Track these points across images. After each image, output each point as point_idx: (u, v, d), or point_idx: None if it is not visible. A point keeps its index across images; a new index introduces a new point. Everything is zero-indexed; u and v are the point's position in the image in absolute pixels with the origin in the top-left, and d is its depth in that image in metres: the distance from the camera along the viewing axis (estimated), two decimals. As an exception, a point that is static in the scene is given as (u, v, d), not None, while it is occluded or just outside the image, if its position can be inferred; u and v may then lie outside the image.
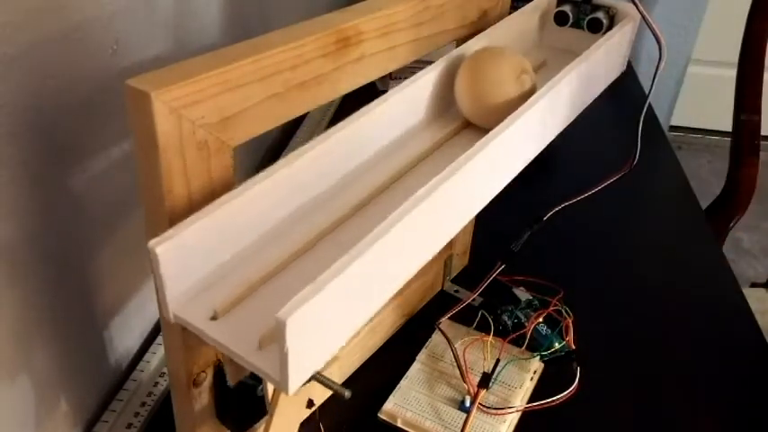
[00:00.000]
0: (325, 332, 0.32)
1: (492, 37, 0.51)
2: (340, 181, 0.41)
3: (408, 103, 0.45)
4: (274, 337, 0.30)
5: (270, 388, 0.38)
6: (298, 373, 0.31)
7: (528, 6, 0.55)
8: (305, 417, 0.45)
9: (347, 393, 0.35)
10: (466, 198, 0.40)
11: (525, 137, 0.44)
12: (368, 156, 0.43)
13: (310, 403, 0.43)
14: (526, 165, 0.46)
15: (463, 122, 0.48)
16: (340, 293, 0.31)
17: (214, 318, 0.34)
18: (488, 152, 0.39)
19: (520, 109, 0.42)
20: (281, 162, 0.37)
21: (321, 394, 0.44)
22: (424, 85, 0.46)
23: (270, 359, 0.31)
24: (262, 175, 0.36)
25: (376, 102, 0.42)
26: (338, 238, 0.39)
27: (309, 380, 0.33)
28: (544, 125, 0.46)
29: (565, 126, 0.50)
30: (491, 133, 0.40)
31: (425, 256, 0.38)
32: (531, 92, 0.45)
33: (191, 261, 0.33)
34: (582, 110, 0.51)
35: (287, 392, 0.31)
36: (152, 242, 0.31)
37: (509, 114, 0.42)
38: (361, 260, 0.31)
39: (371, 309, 0.35)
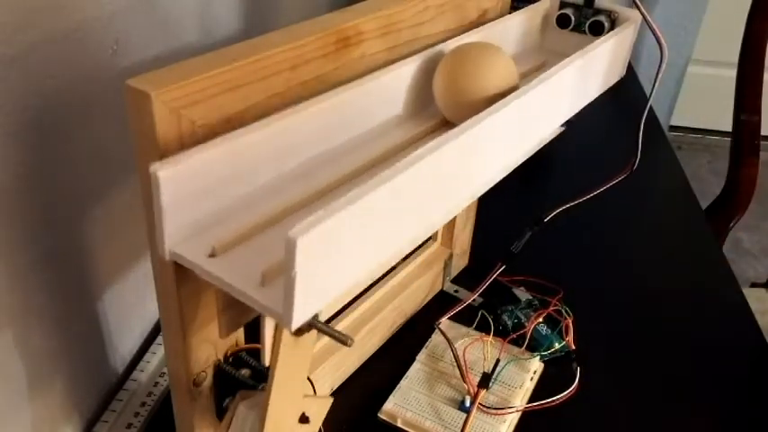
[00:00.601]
0: (336, 263, 0.31)
1: (490, 36, 0.51)
2: (302, 167, 0.40)
3: (383, 97, 0.44)
4: (279, 270, 0.29)
5: (269, 348, 0.37)
6: (303, 306, 0.29)
7: (530, 8, 0.56)
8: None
9: (350, 341, 0.34)
10: (488, 152, 0.40)
11: (509, 131, 0.43)
12: (336, 145, 0.41)
13: (305, 419, 0.42)
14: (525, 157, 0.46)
15: (441, 120, 0.46)
16: (353, 223, 0.30)
17: (212, 255, 0.33)
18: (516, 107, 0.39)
19: (497, 103, 0.40)
20: (290, 110, 0.36)
21: (317, 410, 0.43)
22: (399, 78, 0.44)
23: (272, 295, 0.30)
24: (272, 118, 0.35)
25: (347, 86, 0.40)
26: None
27: (309, 327, 0.32)
28: (530, 124, 0.45)
29: (556, 128, 0.50)
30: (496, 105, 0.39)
31: (441, 209, 0.38)
32: (512, 90, 0.43)
33: (193, 193, 0.33)
34: (576, 111, 0.51)
35: (290, 328, 0.30)
36: (154, 166, 0.30)
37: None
38: (376, 193, 0.31)
39: (384, 251, 0.34)
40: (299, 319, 0.30)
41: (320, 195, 0.38)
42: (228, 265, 0.32)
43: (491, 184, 0.43)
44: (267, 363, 0.37)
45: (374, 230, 0.33)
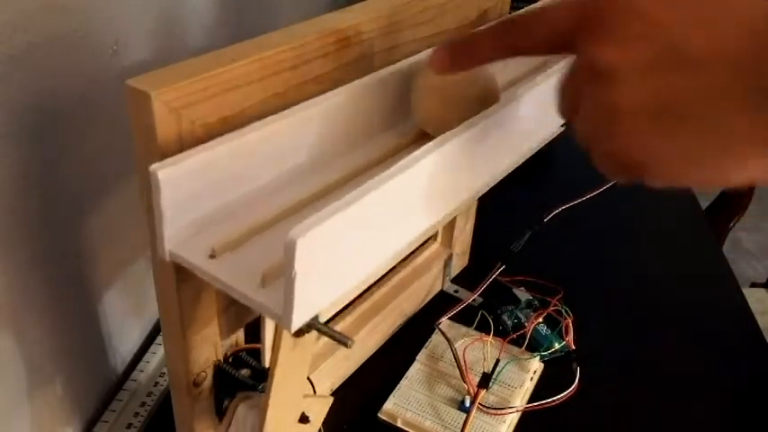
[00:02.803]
0: (335, 265, 0.31)
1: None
2: (302, 168, 0.39)
3: (358, 108, 0.41)
4: (279, 272, 0.29)
5: (269, 348, 0.37)
6: (303, 307, 0.29)
7: (531, 8, 0.55)
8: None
9: (350, 342, 0.34)
10: (491, 148, 0.40)
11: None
12: (334, 146, 0.40)
13: (305, 419, 0.42)
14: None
15: (419, 133, 0.44)
16: (354, 223, 0.30)
17: (213, 256, 0.33)
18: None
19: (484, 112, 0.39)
20: (293, 108, 0.36)
21: (317, 410, 0.43)
22: (374, 90, 0.42)
23: (272, 296, 0.30)
24: (272, 117, 0.35)
25: (320, 98, 0.38)
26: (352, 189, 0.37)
27: (309, 329, 0.32)
28: (523, 127, 0.44)
29: (553, 130, 0.49)
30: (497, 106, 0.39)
31: (444, 205, 0.38)
32: (493, 99, 0.41)
33: (192, 194, 0.32)
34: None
35: (290, 329, 0.30)
36: (154, 166, 0.30)
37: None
38: (376, 193, 0.30)
39: (385, 252, 0.34)
40: (298, 321, 0.30)
41: (321, 196, 0.38)
42: (228, 267, 0.32)
43: (493, 183, 0.43)
44: (267, 364, 0.37)
45: (374, 231, 0.33)
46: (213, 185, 0.34)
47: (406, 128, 0.45)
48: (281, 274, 0.29)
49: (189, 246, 0.33)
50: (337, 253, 0.30)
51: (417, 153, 0.34)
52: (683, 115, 0.27)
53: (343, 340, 0.33)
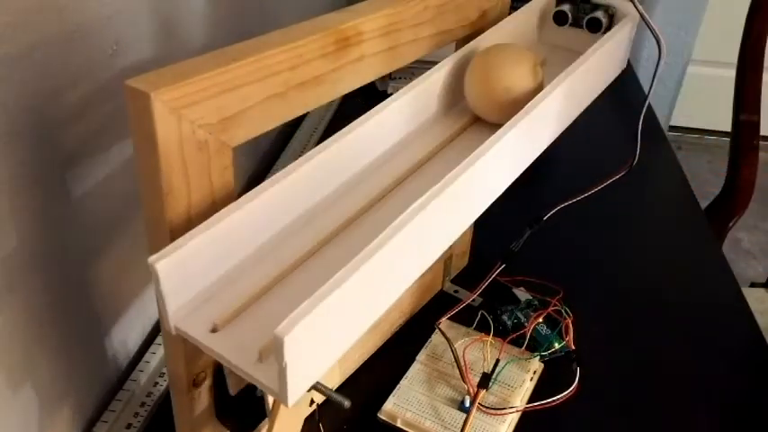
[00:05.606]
0: (324, 345, 0.32)
1: (492, 36, 0.51)
2: (345, 184, 0.41)
3: (416, 104, 0.46)
4: (273, 350, 0.30)
5: (271, 398, 0.38)
6: (297, 386, 0.31)
7: (527, 6, 0.55)
8: (307, 413, 0.45)
9: (347, 403, 0.36)
10: (465, 203, 0.41)
11: (530, 135, 0.44)
12: (374, 156, 0.43)
13: (311, 401, 0.43)
14: (528, 165, 0.46)
15: (472, 117, 0.49)
16: (338, 307, 0.31)
17: (214, 330, 0.34)
18: (497, 150, 0.40)
19: (528, 105, 0.43)
20: (282, 171, 0.37)
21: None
22: (432, 84, 0.47)
23: (269, 371, 0.32)
24: (262, 186, 0.36)
25: (383, 104, 0.42)
26: (343, 242, 0.39)
27: (309, 390, 0.34)
28: (548, 123, 0.46)
29: (566, 126, 0.50)
30: (495, 135, 0.40)
31: (423, 264, 0.39)
32: (539, 87, 0.46)
33: (191, 275, 0.34)
34: (582, 110, 0.51)
35: (286, 405, 0.31)
36: (152, 258, 0.31)
37: (517, 109, 0.42)
38: (358, 274, 0.32)
39: (370, 319, 0.35)
40: (294, 397, 0.31)
41: (319, 247, 0.39)
42: (229, 341, 0.34)
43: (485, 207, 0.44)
44: (270, 405, 0.38)
45: (365, 301, 0.34)
46: (211, 262, 0.35)
47: (458, 113, 0.49)
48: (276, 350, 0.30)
49: (192, 320, 0.35)
50: (327, 333, 0.32)
51: (397, 222, 0.34)
52: None
53: (340, 401, 0.36)
